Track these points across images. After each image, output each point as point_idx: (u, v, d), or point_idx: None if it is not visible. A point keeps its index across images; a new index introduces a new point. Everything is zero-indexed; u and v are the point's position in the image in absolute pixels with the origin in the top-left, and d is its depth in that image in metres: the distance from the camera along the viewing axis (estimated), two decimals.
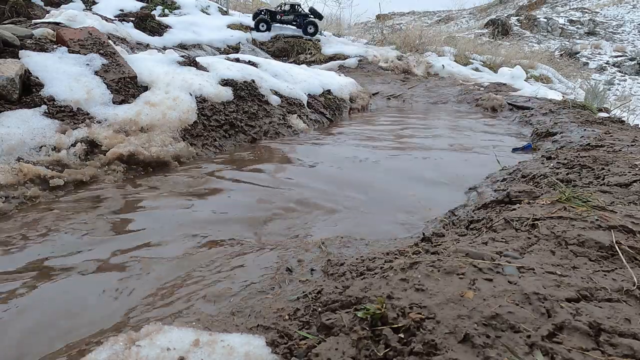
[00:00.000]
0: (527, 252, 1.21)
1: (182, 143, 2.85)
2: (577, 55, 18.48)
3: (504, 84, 7.17)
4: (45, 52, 2.86)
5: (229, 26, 9.05)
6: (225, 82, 3.65)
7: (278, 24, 9.57)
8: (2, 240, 1.69)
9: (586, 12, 24.67)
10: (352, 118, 4.98)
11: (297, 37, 9.37)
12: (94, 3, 8.39)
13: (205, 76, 3.54)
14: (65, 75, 2.73)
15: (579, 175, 2.06)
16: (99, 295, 1.37)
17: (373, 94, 6.39)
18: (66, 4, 7.96)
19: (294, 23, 9.58)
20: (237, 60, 4.37)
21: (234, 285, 1.37)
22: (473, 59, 9.55)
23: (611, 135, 3.01)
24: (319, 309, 1.09)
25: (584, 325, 0.85)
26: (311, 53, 9.00)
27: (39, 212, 1.95)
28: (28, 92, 2.53)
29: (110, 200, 2.12)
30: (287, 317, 1.09)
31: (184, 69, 3.49)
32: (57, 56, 2.86)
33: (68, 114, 2.56)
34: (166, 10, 9.06)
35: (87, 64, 2.92)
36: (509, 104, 5.66)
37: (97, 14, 7.09)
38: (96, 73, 2.90)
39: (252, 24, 9.31)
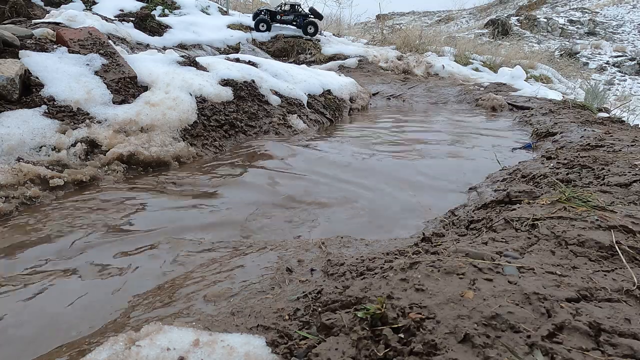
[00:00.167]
0: (527, 252, 1.21)
1: (182, 143, 2.85)
2: (577, 55, 18.48)
3: (504, 84, 7.17)
4: (45, 52, 2.87)
5: (229, 26, 9.04)
6: (225, 82, 3.65)
7: (278, 24, 9.56)
8: (2, 241, 1.69)
9: (586, 12, 24.67)
10: (352, 118, 4.98)
11: (297, 37, 9.37)
12: (94, 3, 8.39)
13: (205, 76, 3.54)
14: (65, 75, 2.73)
15: (579, 175, 2.06)
16: (99, 296, 1.37)
17: (373, 94, 6.39)
18: (66, 4, 7.95)
19: (294, 23, 9.57)
20: (237, 60, 4.37)
21: (234, 285, 1.37)
22: (473, 59, 9.54)
23: (611, 135, 3.01)
24: (319, 309, 1.09)
25: (584, 325, 0.85)
26: (311, 53, 9.00)
27: (39, 213, 1.95)
28: (28, 92, 2.53)
29: (110, 201, 2.12)
30: (287, 317, 1.09)
31: (184, 69, 3.49)
32: (57, 56, 2.86)
33: (68, 114, 2.56)
34: (166, 10, 9.05)
35: (87, 64, 2.92)
36: (509, 104, 5.66)
37: (97, 14, 7.09)
38: (96, 73, 2.90)
39: (252, 24, 9.31)
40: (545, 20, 23.06)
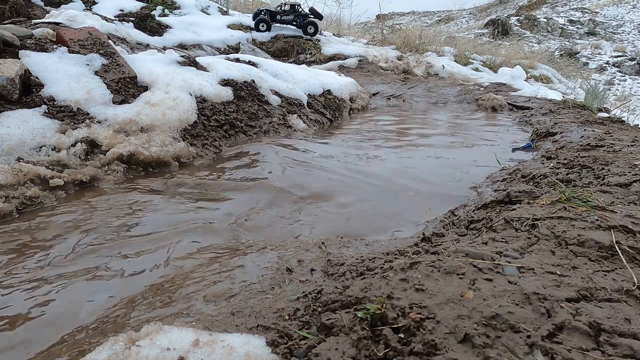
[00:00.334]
0: (527, 252, 1.21)
1: (182, 143, 2.85)
2: (577, 55, 18.48)
3: (504, 84, 7.17)
4: (46, 52, 2.86)
5: (229, 26, 9.04)
6: (225, 82, 3.65)
7: (278, 24, 9.56)
8: (2, 243, 1.69)
9: (586, 12, 24.67)
10: (352, 118, 4.98)
11: (297, 37, 9.36)
12: (94, 3, 8.38)
13: (205, 76, 3.54)
14: (65, 75, 2.73)
15: (579, 175, 2.06)
16: (98, 296, 1.37)
17: (373, 94, 6.39)
18: (66, 4, 7.95)
19: (294, 23, 9.57)
20: (237, 60, 4.37)
21: (234, 285, 1.37)
22: (473, 59, 9.54)
23: (611, 135, 3.01)
24: (319, 309, 1.09)
25: (584, 325, 0.85)
26: (311, 53, 9.00)
27: (39, 215, 1.95)
28: (28, 92, 2.53)
29: (111, 201, 2.12)
30: (287, 317, 1.09)
31: (183, 69, 3.49)
32: (57, 56, 2.86)
33: (68, 114, 2.56)
34: (166, 10, 9.05)
35: (87, 64, 2.92)
36: (509, 104, 5.66)
37: (97, 14, 7.09)
38: (96, 73, 2.90)
39: (252, 24, 9.30)
40: (545, 20, 23.06)
